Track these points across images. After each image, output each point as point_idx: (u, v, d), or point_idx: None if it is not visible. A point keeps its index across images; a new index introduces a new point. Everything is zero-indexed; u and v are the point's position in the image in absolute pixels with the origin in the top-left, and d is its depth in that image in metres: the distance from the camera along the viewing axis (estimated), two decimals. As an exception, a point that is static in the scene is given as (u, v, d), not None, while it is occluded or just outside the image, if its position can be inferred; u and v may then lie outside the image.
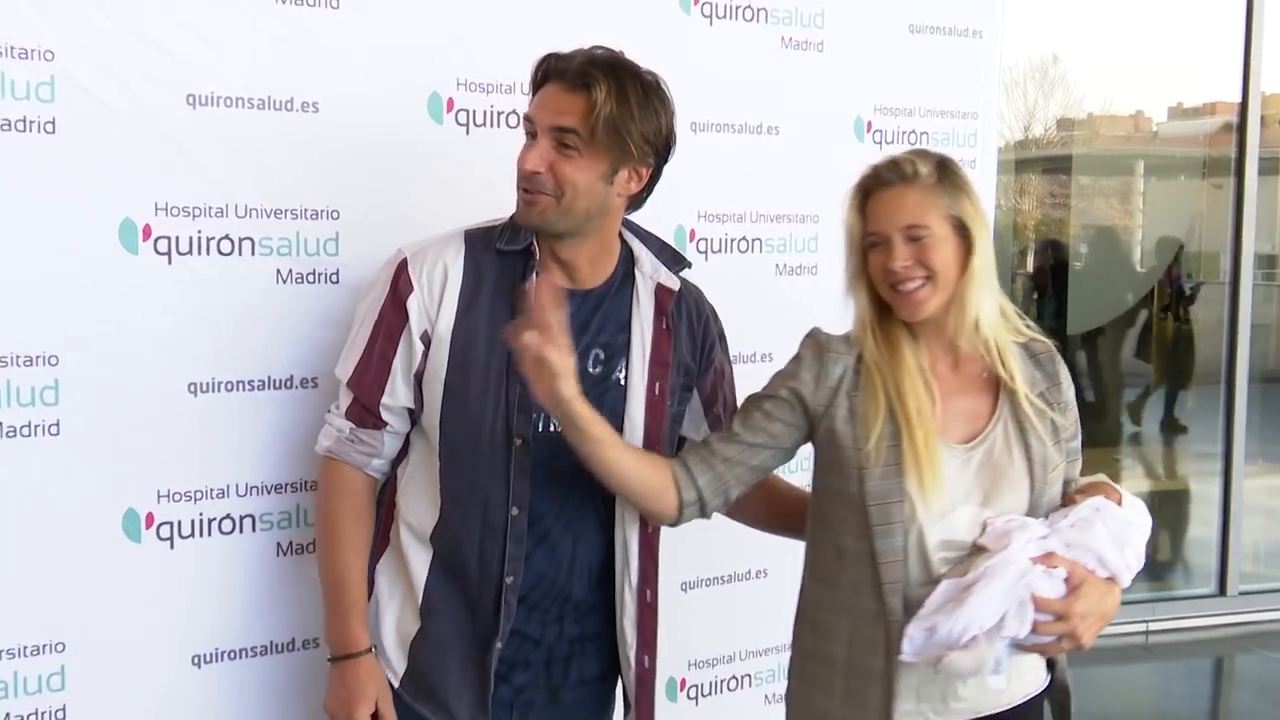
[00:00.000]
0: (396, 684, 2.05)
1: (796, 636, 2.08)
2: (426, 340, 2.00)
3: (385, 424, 2.03)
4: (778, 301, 2.83)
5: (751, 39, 2.79)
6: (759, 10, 2.80)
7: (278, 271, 2.28)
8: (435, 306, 1.99)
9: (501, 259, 2.02)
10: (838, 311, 2.86)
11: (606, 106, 1.93)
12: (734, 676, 2.97)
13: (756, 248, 2.83)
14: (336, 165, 2.32)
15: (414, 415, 2.05)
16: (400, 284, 2.01)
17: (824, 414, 1.97)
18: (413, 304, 1.99)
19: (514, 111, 2.48)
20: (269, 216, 2.27)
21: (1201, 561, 5.84)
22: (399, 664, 2.06)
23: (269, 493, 2.31)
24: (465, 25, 2.45)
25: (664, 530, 2.16)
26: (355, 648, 2.02)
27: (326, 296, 2.32)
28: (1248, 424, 5.79)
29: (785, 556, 2.95)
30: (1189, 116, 7.54)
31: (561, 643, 2.08)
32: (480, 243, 2.04)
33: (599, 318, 2.05)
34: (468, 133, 2.45)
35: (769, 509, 2.21)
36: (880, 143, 2.97)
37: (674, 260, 2.17)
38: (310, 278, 2.31)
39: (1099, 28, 6.25)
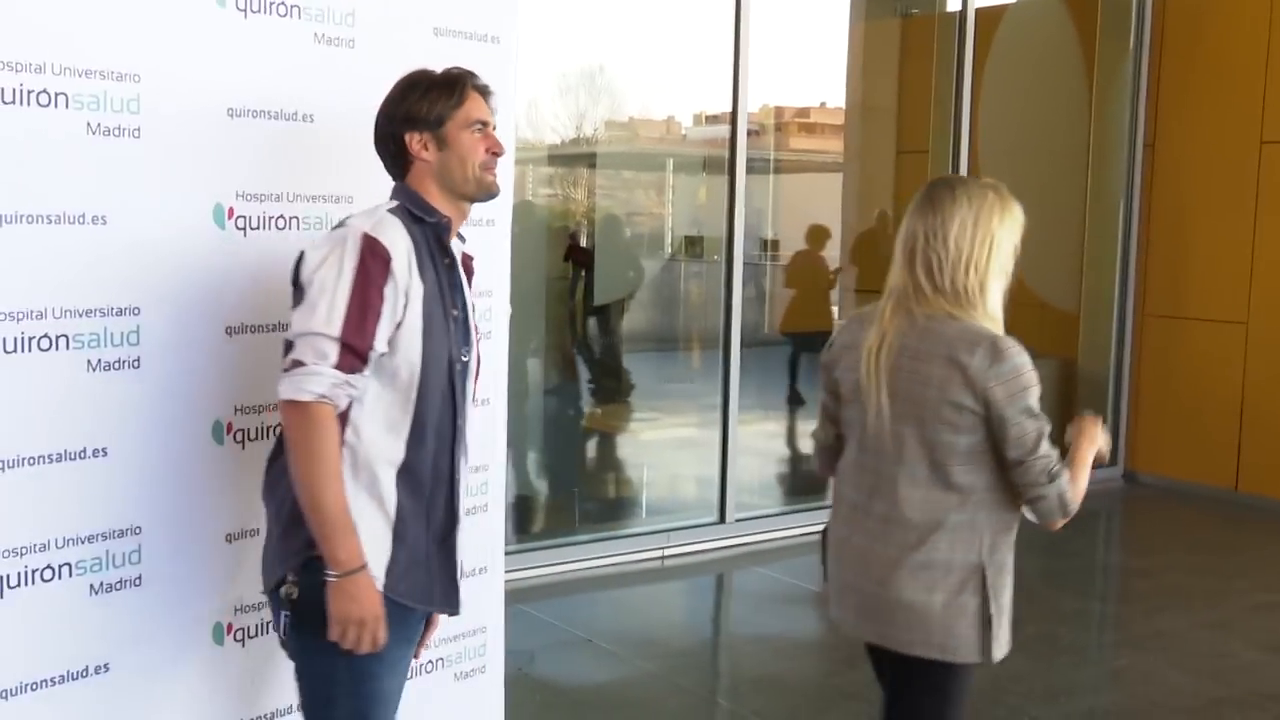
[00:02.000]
0: (381, 587, 2.19)
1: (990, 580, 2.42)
2: (406, 296, 2.21)
3: (366, 367, 2.18)
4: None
5: (285, 33, 2.74)
6: (292, 7, 2.75)
7: None
8: (407, 269, 2.21)
9: (422, 228, 2.30)
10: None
11: None
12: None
13: (294, 225, 2.80)
14: None
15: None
16: (378, 250, 2.18)
17: None
18: (396, 266, 2.19)
19: (45, 90, 2.33)
20: None
21: (706, 495, 6.26)
22: (380, 571, 2.20)
23: None
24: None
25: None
26: (361, 562, 2.15)
27: None
28: (749, 379, 6.27)
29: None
30: (709, 123, 8.02)
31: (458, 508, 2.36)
32: (406, 218, 2.28)
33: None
34: (-5, 109, 2.28)
35: None
36: (410, 133, 3.00)
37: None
38: None
39: (638, 43, 6.56)
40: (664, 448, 7.14)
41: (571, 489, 6.73)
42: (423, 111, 2.33)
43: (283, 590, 2.20)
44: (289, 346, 2.18)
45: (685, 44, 6.40)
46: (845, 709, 4.23)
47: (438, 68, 2.37)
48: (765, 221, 8.84)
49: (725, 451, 6.15)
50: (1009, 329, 2.42)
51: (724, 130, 6.23)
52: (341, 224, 2.28)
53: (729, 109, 6.11)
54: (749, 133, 6.13)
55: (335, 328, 2.13)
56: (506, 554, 5.44)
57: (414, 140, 2.34)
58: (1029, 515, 2.43)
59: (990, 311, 2.38)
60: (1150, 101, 7.59)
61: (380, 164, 2.42)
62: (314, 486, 2.12)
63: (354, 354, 2.14)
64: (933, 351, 2.36)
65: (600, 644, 4.81)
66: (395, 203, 2.31)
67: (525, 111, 6.69)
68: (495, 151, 2.37)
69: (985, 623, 2.41)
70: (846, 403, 2.55)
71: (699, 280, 7.92)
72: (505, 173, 3.29)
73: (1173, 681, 4.51)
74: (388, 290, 2.17)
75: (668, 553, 5.92)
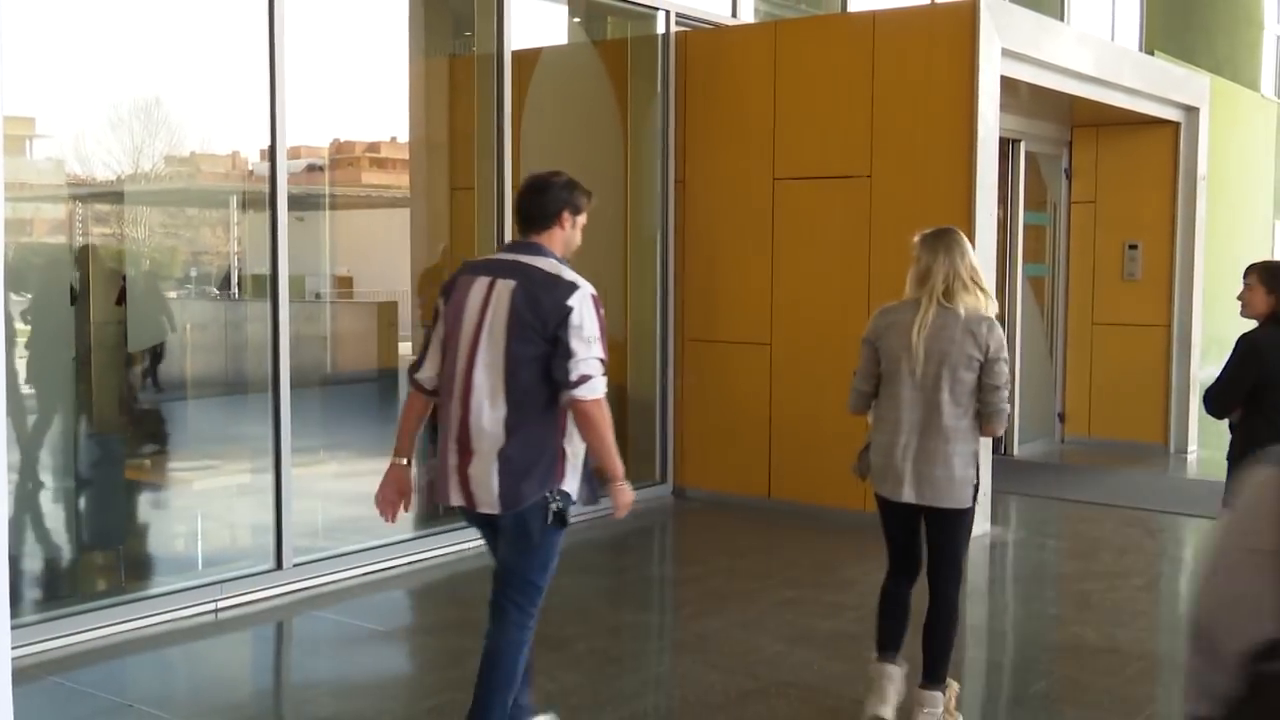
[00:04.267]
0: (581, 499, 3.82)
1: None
2: None
3: None
4: None
5: None
6: None
7: None
8: None
9: None
10: None
11: None
12: None
13: None
14: None
15: None
16: (599, 302, 3.67)
17: None
18: None
19: None
20: None
21: (261, 541, 6.12)
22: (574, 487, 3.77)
23: None
24: None
25: None
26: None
27: None
28: (311, 420, 6.16)
29: None
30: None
31: None
32: None
33: None
34: None
35: None
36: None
37: None
38: None
39: (198, 75, 6.35)
40: (219, 496, 6.91)
41: (116, 546, 6.37)
42: (580, 202, 3.85)
43: (552, 505, 3.65)
44: (573, 366, 3.55)
45: (244, 76, 6.26)
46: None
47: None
48: (335, 258, 8.78)
49: (279, 496, 6.04)
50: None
51: (299, 165, 6.14)
52: (560, 279, 3.64)
53: (302, 144, 6.03)
54: (315, 168, 6.08)
55: (603, 353, 3.63)
56: (38, 622, 5.14)
57: (566, 217, 3.81)
58: (989, 423, 4.15)
59: (989, 304, 4.17)
60: (678, 141, 8.22)
61: None
62: (611, 440, 3.66)
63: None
64: (954, 325, 4.09)
65: (143, 708, 4.59)
66: (554, 260, 3.74)
67: (73, 144, 6.33)
68: None
69: (977, 486, 4.20)
70: (886, 362, 4.21)
71: (265, 323, 7.71)
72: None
73: (708, 680, 4.91)
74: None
75: (222, 605, 5.74)
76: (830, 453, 7.59)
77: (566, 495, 3.68)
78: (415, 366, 3.85)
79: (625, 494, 3.74)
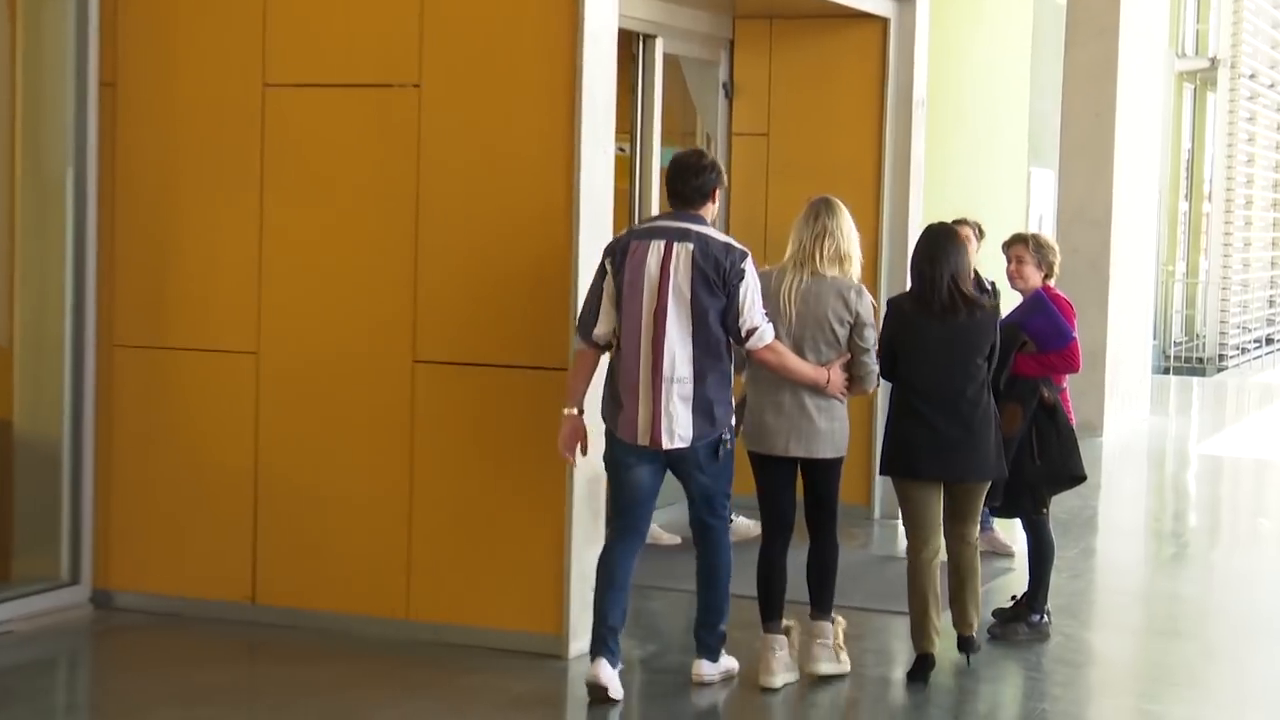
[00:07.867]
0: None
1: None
2: None
3: None
4: None
5: None
6: None
7: None
8: None
9: None
10: None
11: None
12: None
13: None
14: None
15: None
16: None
17: None
18: None
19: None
20: None
21: None
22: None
23: None
24: None
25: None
26: None
27: None
28: None
29: None
30: None
31: None
32: None
33: None
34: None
35: None
36: None
37: None
38: None
39: None
40: None
41: None
42: (723, 180, 6.78)
43: (725, 439, 6.50)
44: (743, 321, 6.38)
45: None
46: None
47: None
48: None
49: None
50: None
51: None
52: (732, 245, 6.45)
53: None
54: None
55: (764, 306, 6.53)
56: None
57: (716, 194, 6.66)
58: (861, 384, 6.77)
59: (855, 273, 6.77)
60: (105, 21, 7.83)
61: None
62: (797, 365, 6.65)
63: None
64: (825, 291, 6.63)
65: None
66: (712, 228, 6.63)
67: None
68: None
69: (846, 434, 6.86)
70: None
71: None
72: None
73: None
74: None
75: None
76: (354, 529, 7.60)
77: (732, 431, 6.59)
78: (586, 325, 6.43)
79: (827, 374, 6.64)
